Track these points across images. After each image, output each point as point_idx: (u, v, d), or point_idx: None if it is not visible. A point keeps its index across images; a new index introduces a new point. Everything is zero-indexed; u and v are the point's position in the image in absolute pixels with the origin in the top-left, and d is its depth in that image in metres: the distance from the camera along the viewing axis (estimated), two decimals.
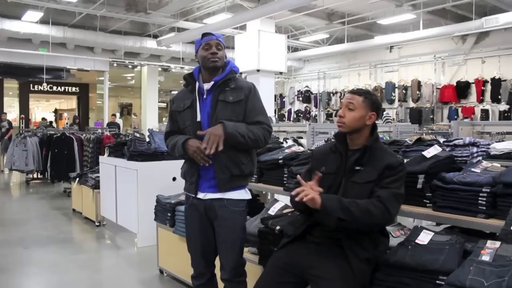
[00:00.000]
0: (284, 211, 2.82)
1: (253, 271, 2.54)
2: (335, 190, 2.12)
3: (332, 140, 2.34)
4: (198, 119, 2.34)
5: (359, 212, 1.96)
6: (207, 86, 2.37)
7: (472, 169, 2.23)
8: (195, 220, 2.42)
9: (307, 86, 16.76)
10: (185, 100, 2.42)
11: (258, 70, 10.09)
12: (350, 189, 2.08)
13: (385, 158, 2.10)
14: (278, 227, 2.53)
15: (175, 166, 4.78)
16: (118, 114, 17.60)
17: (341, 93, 15.29)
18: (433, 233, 2.05)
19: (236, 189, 2.37)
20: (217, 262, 2.46)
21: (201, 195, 2.38)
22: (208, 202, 2.36)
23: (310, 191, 1.98)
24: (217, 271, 2.48)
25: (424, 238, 2.02)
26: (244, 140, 2.28)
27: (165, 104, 21.69)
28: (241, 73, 11.92)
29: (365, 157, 2.11)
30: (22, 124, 14.48)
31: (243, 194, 2.41)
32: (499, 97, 11.36)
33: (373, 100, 2.18)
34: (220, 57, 2.35)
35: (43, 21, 11.68)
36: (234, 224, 2.36)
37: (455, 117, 11.96)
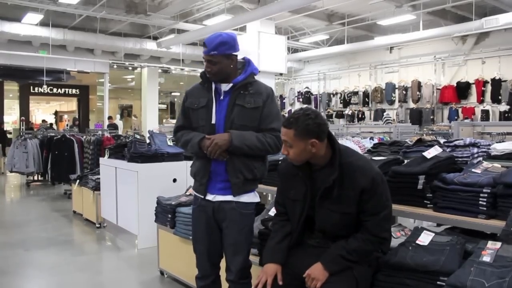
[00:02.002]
0: None
1: (253, 272, 2.54)
2: (307, 216, 2.09)
3: None
4: (213, 121, 2.29)
5: (360, 257, 1.96)
6: (225, 87, 2.31)
7: (473, 170, 2.23)
8: (202, 222, 2.40)
9: (307, 87, 16.78)
10: (200, 98, 2.35)
11: (258, 71, 10.09)
12: (328, 217, 2.03)
13: (357, 180, 1.94)
14: None
15: (176, 167, 4.86)
16: (118, 116, 17.63)
17: (341, 94, 15.31)
18: (433, 234, 2.05)
19: (248, 192, 2.34)
20: (222, 263, 2.45)
21: (210, 197, 2.35)
22: (217, 204, 2.34)
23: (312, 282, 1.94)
24: (222, 272, 2.47)
25: (424, 239, 2.02)
26: (252, 151, 2.24)
27: (165, 106, 21.70)
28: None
29: (335, 185, 1.97)
30: (23, 126, 14.48)
31: (252, 197, 2.37)
32: (500, 97, 11.37)
33: (305, 127, 1.92)
34: (214, 72, 2.26)
35: (43, 23, 11.69)
36: (242, 227, 2.33)
37: (456, 117, 11.96)
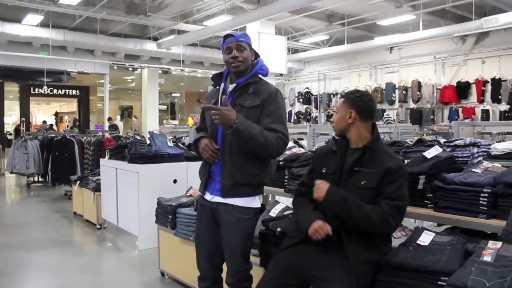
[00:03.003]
0: (285, 213, 2.82)
1: (254, 273, 2.53)
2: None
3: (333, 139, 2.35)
4: (216, 121, 2.31)
5: (359, 215, 1.98)
6: (230, 88, 2.35)
7: (473, 170, 2.23)
8: (204, 221, 2.42)
9: (307, 88, 16.78)
10: (212, 99, 2.41)
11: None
12: (350, 192, 2.07)
13: (385, 161, 2.07)
14: (279, 229, 2.53)
15: (176, 168, 4.86)
16: (118, 117, 17.66)
17: (341, 94, 15.29)
18: (434, 234, 2.05)
19: (242, 196, 2.30)
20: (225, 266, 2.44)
21: (209, 197, 2.38)
22: (215, 205, 2.34)
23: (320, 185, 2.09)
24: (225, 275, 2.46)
25: (425, 239, 2.02)
26: (252, 142, 2.16)
27: (166, 107, 21.71)
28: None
29: (363, 158, 2.10)
30: (23, 127, 14.48)
31: (250, 202, 2.32)
32: (500, 97, 11.36)
33: (352, 99, 2.19)
34: (243, 59, 2.30)
35: (43, 24, 11.69)
36: (237, 230, 2.30)
37: (456, 117, 11.96)
